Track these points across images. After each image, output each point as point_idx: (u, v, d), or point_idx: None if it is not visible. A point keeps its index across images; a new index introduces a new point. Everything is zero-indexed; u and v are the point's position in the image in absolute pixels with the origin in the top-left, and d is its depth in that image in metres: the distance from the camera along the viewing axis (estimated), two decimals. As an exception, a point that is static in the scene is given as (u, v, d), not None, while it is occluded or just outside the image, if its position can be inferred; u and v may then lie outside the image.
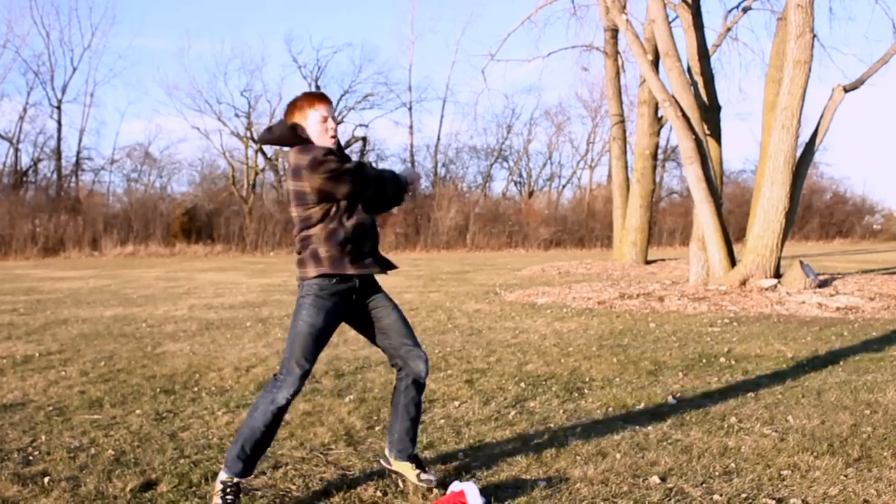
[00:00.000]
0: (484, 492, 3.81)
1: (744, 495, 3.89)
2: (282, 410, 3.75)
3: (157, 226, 38.37)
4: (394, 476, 4.16)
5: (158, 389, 6.44)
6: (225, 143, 48.94)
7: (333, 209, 3.74)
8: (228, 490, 3.73)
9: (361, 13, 67.07)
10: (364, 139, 46.33)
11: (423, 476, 4.00)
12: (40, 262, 31.79)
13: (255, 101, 45.21)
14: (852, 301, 12.22)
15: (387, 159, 48.40)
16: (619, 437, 4.94)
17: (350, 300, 3.86)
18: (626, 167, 25.38)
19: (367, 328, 4.00)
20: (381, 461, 4.22)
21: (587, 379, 6.82)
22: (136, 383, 6.69)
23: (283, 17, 64.62)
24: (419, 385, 4.01)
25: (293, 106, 3.85)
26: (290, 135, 3.80)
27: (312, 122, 3.79)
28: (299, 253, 3.82)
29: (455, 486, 3.79)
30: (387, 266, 3.94)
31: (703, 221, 14.52)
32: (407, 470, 4.04)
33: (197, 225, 40.55)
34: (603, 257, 28.55)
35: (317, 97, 3.85)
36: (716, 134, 16.69)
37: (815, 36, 13.06)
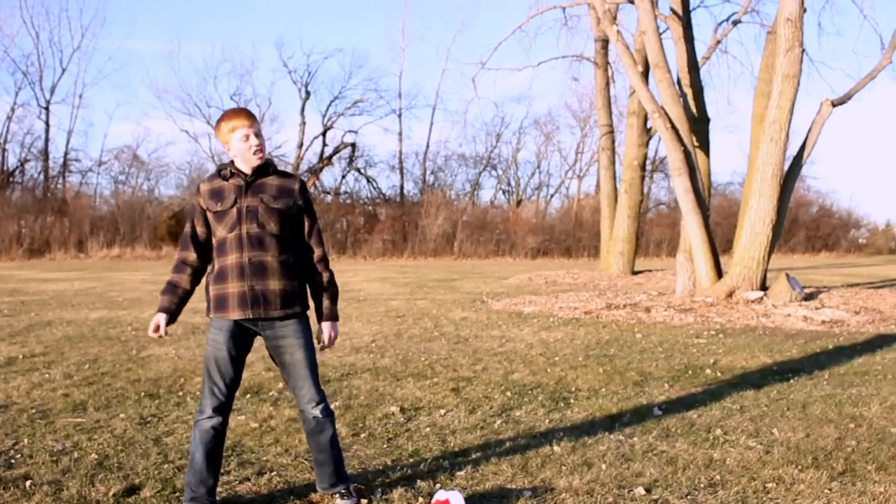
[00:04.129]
0: (469, 501, 3.80)
1: (728, 507, 3.89)
2: (207, 437, 3.75)
3: (143, 229, 38.19)
4: (378, 482, 4.15)
5: (143, 393, 6.40)
6: (214, 146, 48.43)
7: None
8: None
9: (352, 19, 67.13)
10: (353, 145, 46.32)
11: (339, 501, 3.91)
12: (25, 263, 31.61)
13: (245, 106, 44.77)
14: (837, 314, 12.27)
15: (376, 165, 48.33)
16: (604, 447, 4.94)
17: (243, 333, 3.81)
18: (615, 177, 25.45)
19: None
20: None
21: (573, 389, 6.82)
22: (121, 387, 6.65)
23: (274, 22, 64.67)
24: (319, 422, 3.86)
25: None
26: None
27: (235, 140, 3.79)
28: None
29: (440, 495, 3.78)
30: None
31: (690, 233, 14.57)
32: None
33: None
34: (590, 267, 28.61)
35: (234, 114, 3.81)
36: (704, 146, 16.77)
37: (804, 50, 13.14)
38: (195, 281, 3.90)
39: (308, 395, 3.78)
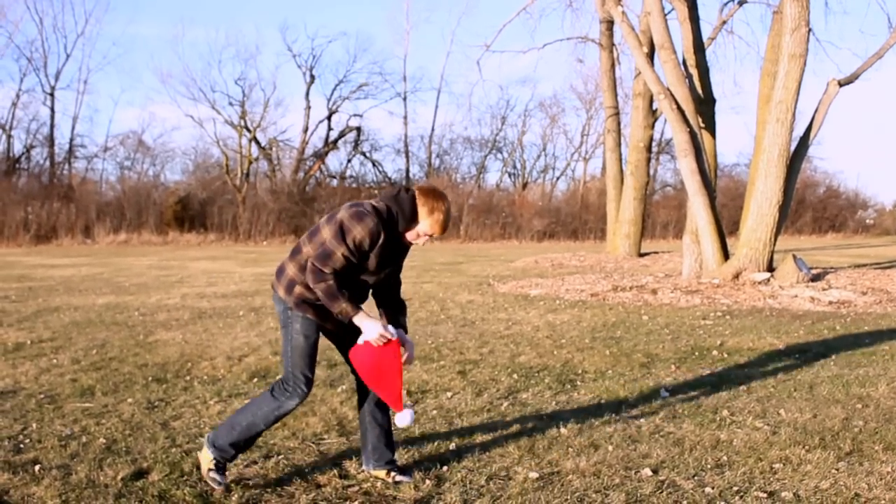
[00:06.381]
0: (475, 482, 3.81)
1: (735, 488, 3.90)
2: (285, 415, 3.92)
3: (150, 214, 38.20)
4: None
5: (150, 378, 6.42)
6: (219, 131, 48.52)
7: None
8: (219, 465, 3.89)
9: (357, 3, 66.83)
10: (358, 129, 46.24)
11: (398, 477, 4.00)
12: (32, 249, 31.67)
13: (250, 90, 44.74)
14: (845, 295, 12.24)
15: (381, 149, 48.23)
16: (611, 429, 4.94)
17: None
18: (621, 159, 25.36)
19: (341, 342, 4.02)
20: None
21: (580, 371, 6.82)
22: (128, 372, 6.68)
23: (278, 6, 64.21)
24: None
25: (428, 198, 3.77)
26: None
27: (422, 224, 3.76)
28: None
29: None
30: None
31: (696, 214, 14.52)
32: (381, 475, 4.03)
33: (190, 213, 40.39)
34: (596, 249, 28.56)
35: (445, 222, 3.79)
36: (710, 127, 16.66)
37: (810, 30, 13.04)
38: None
39: None
